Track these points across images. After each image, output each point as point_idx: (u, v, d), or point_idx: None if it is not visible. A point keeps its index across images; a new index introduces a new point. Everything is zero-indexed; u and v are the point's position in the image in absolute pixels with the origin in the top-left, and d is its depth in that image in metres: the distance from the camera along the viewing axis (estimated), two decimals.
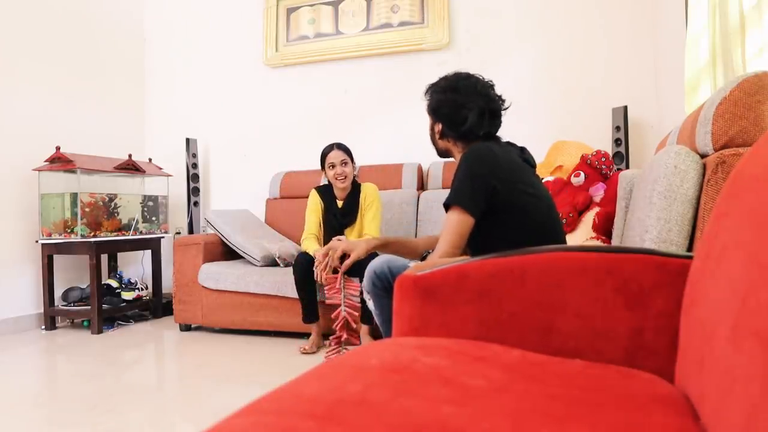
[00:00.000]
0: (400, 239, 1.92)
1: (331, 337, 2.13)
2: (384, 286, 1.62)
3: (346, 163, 2.74)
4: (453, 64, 3.40)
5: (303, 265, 2.61)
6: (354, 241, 1.90)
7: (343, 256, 1.92)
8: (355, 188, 2.82)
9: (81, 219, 3.08)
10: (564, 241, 1.65)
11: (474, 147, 1.52)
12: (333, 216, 2.81)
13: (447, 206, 1.50)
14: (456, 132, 1.63)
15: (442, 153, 1.75)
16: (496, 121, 1.65)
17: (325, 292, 2.16)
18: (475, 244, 1.50)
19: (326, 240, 2.80)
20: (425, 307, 0.94)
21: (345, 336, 2.17)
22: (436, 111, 1.67)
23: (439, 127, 1.68)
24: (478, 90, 1.62)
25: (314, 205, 2.87)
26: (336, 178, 2.74)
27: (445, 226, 1.48)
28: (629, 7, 3.09)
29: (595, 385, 0.67)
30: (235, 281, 2.89)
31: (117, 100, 3.92)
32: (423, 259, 1.75)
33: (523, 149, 1.65)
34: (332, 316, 2.11)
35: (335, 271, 2.13)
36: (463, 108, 1.60)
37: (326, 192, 2.86)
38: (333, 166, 2.74)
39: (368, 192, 2.81)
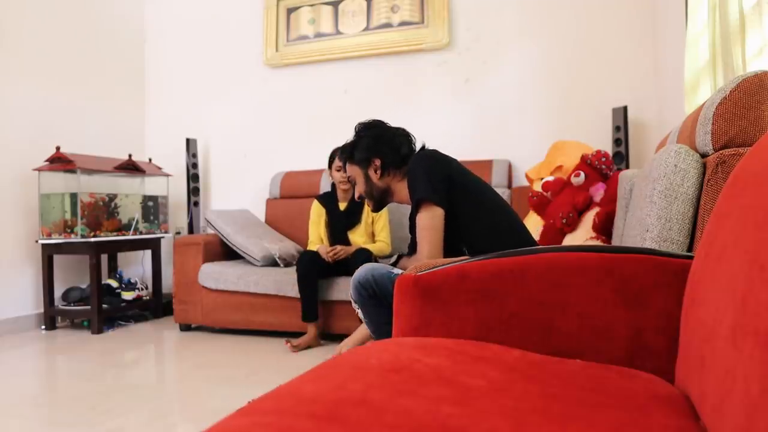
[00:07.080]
0: None
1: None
2: (369, 293, 1.64)
3: None
4: (453, 64, 3.41)
5: (306, 262, 2.64)
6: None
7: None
8: None
9: (81, 219, 3.08)
10: (522, 224, 1.78)
11: (420, 152, 1.69)
12: (337, 219, 2.90)
13: (416, 207, 1.59)
14: (398, 158, 1.75)
15: (382, 195, 1.81)
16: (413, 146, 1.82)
17: None
18: (452, 236, 1.59)
19: (331, 242, 2.84)
20: (425, 307, 0.94)
21: None
22: (373, 147, 1.76)
23: (377, 163, 1.76)
24: (385, 124, 1.82)
25: (316, 216, 2.99)
26: (340, 183, 2.86)
27: (420, 226, 1.57)
28: (629, 7, 3.09)
29: (594, 385, 0.67)
30: (235, 281, 2.89)
31: (117, 100, 3.92)
32: (396, 262, 1.76)
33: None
34: None
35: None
36: (394, 136, 1.78)
37: (328, 198, 2.97)
38: (339, 169, 2.81)
39: None
